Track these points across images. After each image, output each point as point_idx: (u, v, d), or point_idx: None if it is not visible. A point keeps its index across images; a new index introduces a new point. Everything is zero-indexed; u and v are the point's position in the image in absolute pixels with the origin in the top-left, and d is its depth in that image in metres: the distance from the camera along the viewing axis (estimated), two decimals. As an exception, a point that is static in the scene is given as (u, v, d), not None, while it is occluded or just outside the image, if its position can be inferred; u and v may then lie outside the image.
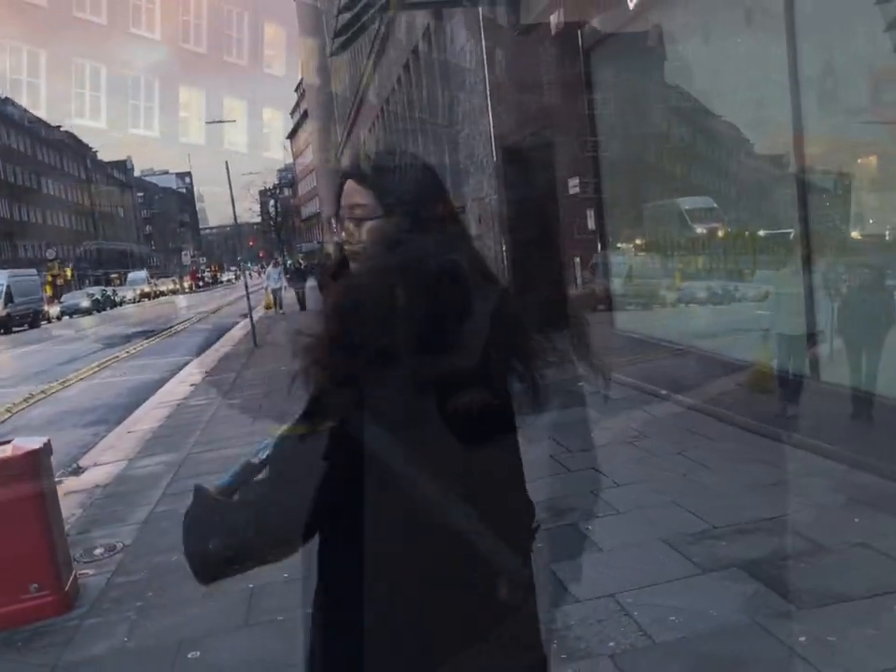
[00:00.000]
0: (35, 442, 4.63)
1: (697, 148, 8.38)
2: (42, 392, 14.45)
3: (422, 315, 1.68)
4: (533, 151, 10.73)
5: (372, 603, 1.58)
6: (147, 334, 25.61)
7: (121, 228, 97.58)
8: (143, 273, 69.57)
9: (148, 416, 10.80)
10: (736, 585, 3.77)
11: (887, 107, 5.64)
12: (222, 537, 1.64)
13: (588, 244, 9.62)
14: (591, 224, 9.47)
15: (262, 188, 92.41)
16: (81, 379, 16.13)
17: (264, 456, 1.70)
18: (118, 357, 19.62)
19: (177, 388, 13.06)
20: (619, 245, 9.77)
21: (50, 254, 63.08)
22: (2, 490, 4.30)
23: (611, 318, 9.51)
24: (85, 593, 4.72)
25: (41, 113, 63.19)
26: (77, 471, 7.93)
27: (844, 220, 6.39)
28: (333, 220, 2.04)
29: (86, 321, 40.48)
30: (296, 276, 27.83)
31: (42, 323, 40.39)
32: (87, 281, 70.15)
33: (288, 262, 51.86)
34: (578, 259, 10.00)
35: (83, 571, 5.01)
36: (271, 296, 26.46)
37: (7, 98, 61.61)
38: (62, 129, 76.27)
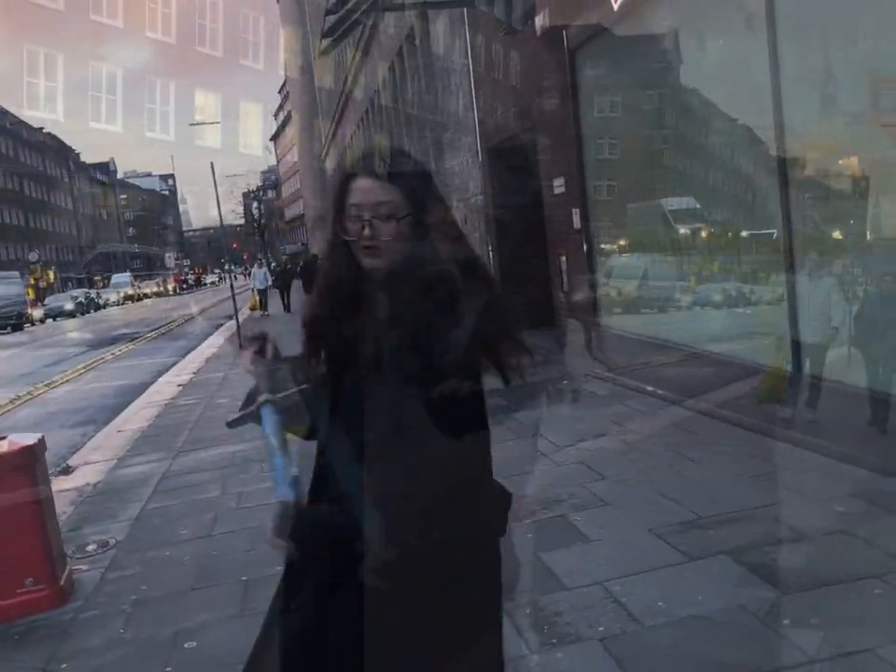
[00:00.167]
0: (29, 438, 4.67)
1: (683, 148, 8.48)
2: (28, 393, 14.44)
3: (413, 317, 1.83)
4: (518, 151, 10.81)
5: None
6: (132, 336, 25.55)
7: (105, 230, 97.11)
8: (126, 276, 69.27)
9: (137, 417, 10.81)
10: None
11: (880, 111, 5.72)
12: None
13: (574, 243, 9.72)
14: (576, 223, 9.56)
15: (246, 189, 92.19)
16: (67, 381, 16.10)
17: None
18: (103, 358, 19.59)
19: (165, 389, 13.07)
20: (604, 245, 9.87)
21: (33, 256, 62.70)
22: (-3, 485, 4.35)
23: (627, 321, 9.41)
24: (79, 587, 4.76)
25: (23, 115, 62.95)
26: (67, 470, 7.95)
27: (860, 223, 6.28)
28: (330, 218, 2.08)
29: (70, 324, 40.28)
30: (282, 277, 27.84)
31: (26, 326, 40.17)
32: (70, 284, 69.83)
33: (272, 264, 51.80)
34: (564, 258, 10.10)
35: (76, 567, 5.05)
36: (257, 297, 26.44)
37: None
38: (44, 130, 75.95)
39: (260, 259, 41.18)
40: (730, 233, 8.23)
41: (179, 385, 13.19)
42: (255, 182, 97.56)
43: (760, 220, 7.54)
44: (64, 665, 3.81)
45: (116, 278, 68.21)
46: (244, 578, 4.60)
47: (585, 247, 9.43)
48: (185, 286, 79.08)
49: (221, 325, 25.82)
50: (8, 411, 12.79)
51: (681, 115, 8.12)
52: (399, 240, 1.89)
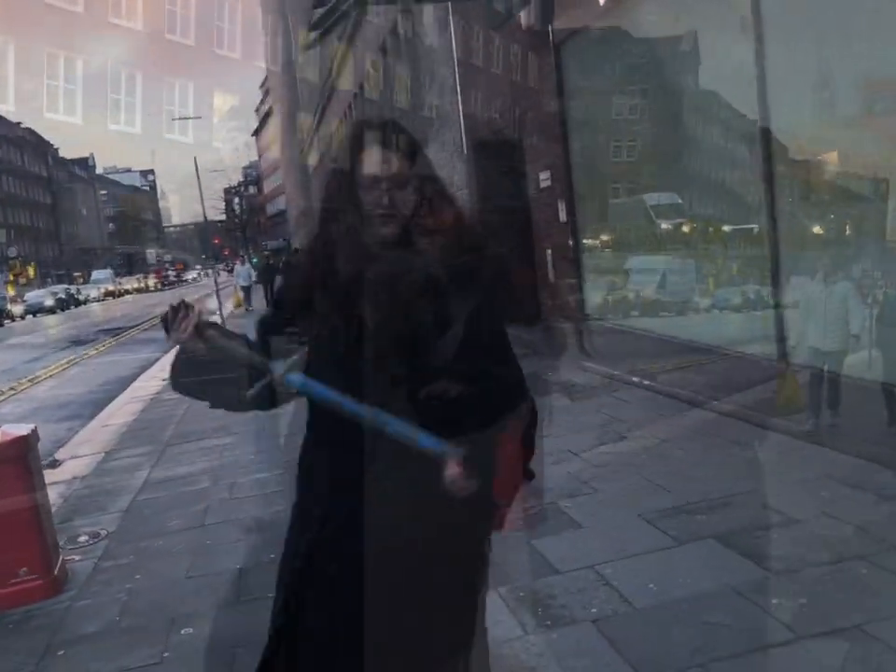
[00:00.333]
0: (22, 429, 4.68)
1: (669, 143, 8.55)
2: (11, 389, 14.37)
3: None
4: (504, 145, 10.86)
5: None
6: (114, 332, 25.43)
7: (85, 226, 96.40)
8: (107, 272, 68.90)
9: (122, 411, 10.80)
10: None
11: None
12: None
13: (560, 236, 9.78)
14: (562, 216, 9.62)
15: (227, 185, 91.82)
16: (51, 376, 16.04)
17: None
18: (86, 354, 19.51)
19: (149, 384, 13.03)
20: (589, 239, 9.92)
21: (12, 252, 62.19)
22: (-8, 475, 4.36)
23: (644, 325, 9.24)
24: (73, 577, 4.78)
25: (1, 109, 62.41)
26: (54, 464, 7.94)
27: (878, 224, 6.23)
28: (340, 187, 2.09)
29: (51, 319, 40.02)
30: (265, 273, 27.78)
31: (5, 321, 39.88)
32: (49, 279, 69.26)
33: (254, 260, 51.55)
34: (549, 251, 10.15)
35: (69, 557, 5.06)
36: (240, 294, 26.39)
37: (-35, 95, 60.61)
38: (22, 125, 75.28)
39: (243, 256, 41.03)
40: (712, 228, 8.30)
41: (164, 380, 13.14)
42: (236, 178, 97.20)
43: (743, 216, 7.62)
44: (62, 653, 3.84)
45: (96, 274, 67.82)
46: (237, 566, 4.64)
47: (571, 241, 9.50)
48: (166, 282, 78.69)
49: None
50: (-8, 406, 12.74)
51: (667, 109, 8.19)
52: (410, 208, 1.99)
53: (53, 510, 6.04)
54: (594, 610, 3.55)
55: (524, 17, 9.23)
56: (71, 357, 18.93)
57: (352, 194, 2.04)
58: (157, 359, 16.55)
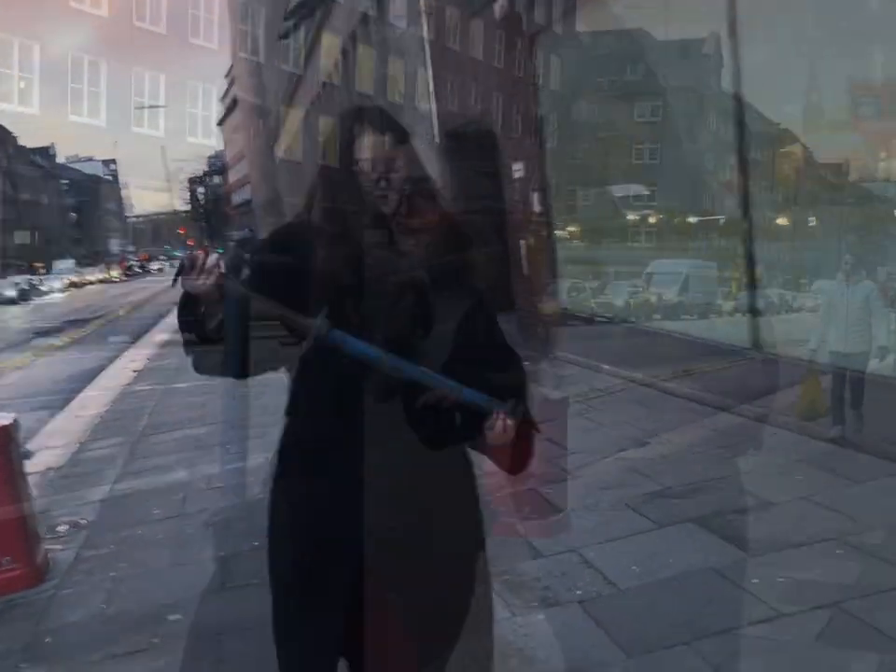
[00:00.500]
0: (4, 418, 4.67)
1: (638, 133, 8.64)
2: (-24, 380, 14.16)
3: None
4: (477, 135, 10.88)
5: None
6: (79, 322, 25.11)
7: (46, 215, 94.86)
8: (70, 262, 67.80)
9: (93, 402, 10.70)
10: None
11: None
12: None
13: (535, 227, 9.83)
14: (536, 207, 9.69)
15: (191, 175, 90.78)
16: (17, 368, 15.81)
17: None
18: (53, 345, 19.26)
19: (119, 374, 12.94)
20: (562, 230, 9.98)
21: (-30, 242, 61.08)
22: (-27, 465, 4.35)
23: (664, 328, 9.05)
24: (54, 567, 4.77)
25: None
26: (27, 455, 7.84)
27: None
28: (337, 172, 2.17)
29: (13, 310, 39.35)
30: (234, 262, 27.58)
31: (-34, 313, 39.17)
32: (9, 269, 68.02)
33: (219, 250, 51.14)
34: (524, 242, 10.21)
35: (49, 547, 5.05)
36: (207, 283, 26.16)
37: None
38: (-21, 114, 73.84)
39: (210, 247, 40.68)
40: (677, 219, 8.38)
41: (134, 371, 13.07)
42: (201, 167, 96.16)
43: (718, 208, 7.72)
44: (49, 640, 3.84)
45: (59, 265, 66.74)
46: (221, 554, 4.67)
47: (546, 231, 9.57)
48: (130, 272, 77.69)
49: (171, 311, 25.52)
50: (-43, 398, 12.55)
51: (639, 100, 8.27)
52: (402, 187, 2.10)
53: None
54: (579, 592, 3.63)
55: (497, 8, 9.26)
56: (37, 348, 18.68)
57: (349, 177, 2.12)
58: (125, 350, 16.44)
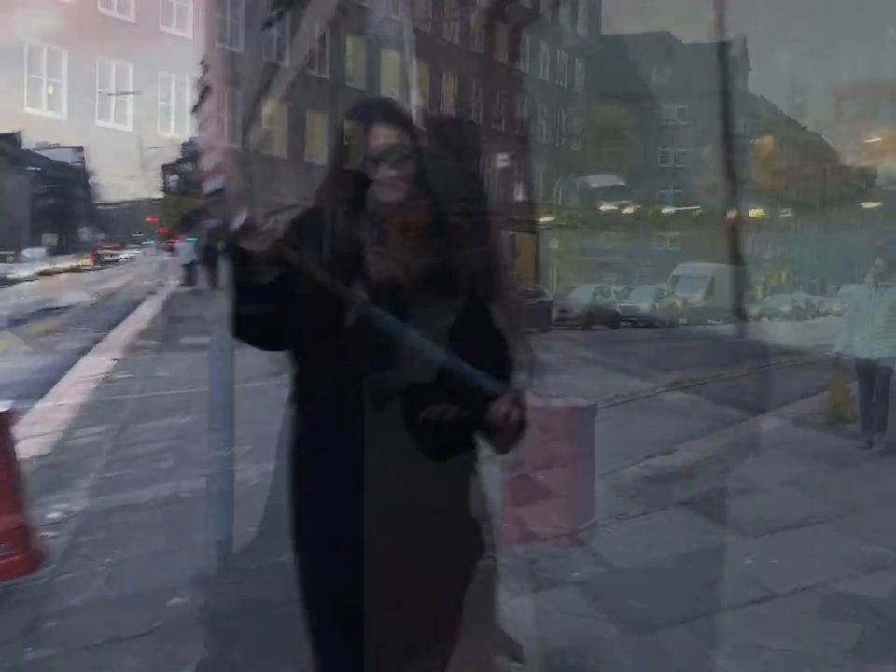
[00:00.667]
0: (0, 405, 4.67)
1: (623, 126, 8.71)
2: (-50, 370, 14.00)
3: None
4: (459, 126, 10.92)
5: None
6: (52, 311, 24.85)
7: (13, 203, 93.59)
8: (39, 250, 66.95)
9: (72, 391, 10.64)
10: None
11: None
12: None
13: (518, 218, 9.91)
14: (520, 197, 9.75)
15: (163, 162, 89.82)
16: (-9, 356, 15.65)
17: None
18: (27, 333, 19.05)
19: (97, 363, 12.87)
20: (547, 218, 10.03)
21: (-63, 230, 60.09)
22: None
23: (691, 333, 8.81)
24: (49, 553, 4.78)
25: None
26: (11, 443, 7.84)
27: None
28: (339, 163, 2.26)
29: (-19, 299, 38.88)
30: (208, 251, 27.42)
31: (-67, 302, 38.61)
32: (-23, 258, 67.02)
33: (190, 239, 50.73)
34: (507, 233, 10.28)
35: (43, 533, 5.06)
36: (182, 271, 26.02)
37: None
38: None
39: (186, 234, 40.19)
40: (651, 211, 8.46)
41: (113, 360, 13.00)
42: (174, 155, 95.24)
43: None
44: (52, 624, 3.88)
45: (28, 253, 65.84)
46: (217, 539, 4.70)
47: (529, 221, 9.64)
48: (101, 260, 76.87)
49: (144, 300, 25.39)
50: (-71, 388, 12.41)
51: (621, 91, 8.33)
52: (412, 175, 2.18)
53: (18, 488, 6.05)
54: (576, 574, 3.72)
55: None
56: (9, 338, 18.48)
57: (361, 168, 2.18)
58: (101, 339, 16.33)
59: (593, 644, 3.18)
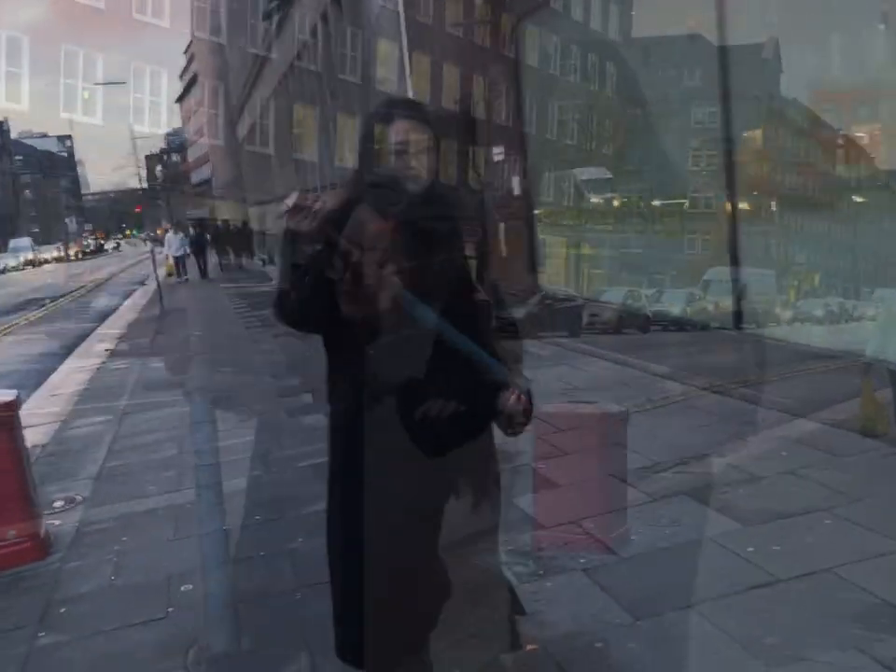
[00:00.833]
0: (8, 394, 4.71)
1: (618, 121, 8.77)
2: (-57, 359, 13.97)
3: None
4: (453, 118, 10.97)
5: None
6: (41, 301, 24.77)
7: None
8: (26, 241, 66.51)
9: (68, 380, 10.65)
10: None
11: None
12: None
13: (513, 209, 9.97)
14: (516, 190, 9.82)
15: (149, 153, 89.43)
16: (-18, 346, 15.63)
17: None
18: (17, 323, 19.01)
19: (91, 353, 12.87)
20: (543, 209, 10.09)
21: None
22: (-20, 439, 4.40)
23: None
24: (56, 541, 4.83)
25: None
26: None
27: None
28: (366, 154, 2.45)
29: (-33, 289, 38.66)
30: (197, 243, 27.42)
31: (-81, 291, 38.37)
32: (-38, 248, 66.56)
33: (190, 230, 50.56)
34: (503, 225, 10.34)
35: (48, 522, 5.10)
36: (172, 263, 25.94)
37: None
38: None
39: (175, 225, 40.00)
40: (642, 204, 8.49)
41: (106, 350, 13.00)
42: (158, 144, 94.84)
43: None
44: (63, 610, 3.92)
45: (15, 243, 65.45)
46: (224, 528, 4.76)
47: (525, 213, 9.70)
48: (87, 251, 76.56)
49: (135, 291, 25.35)
50: (-76, 376, 12.38)
51: (624, 88, 8.40)
52: (432, 166, 2.39)
53: (20, 477, 6.08)
54: (582, 560, 3.80)
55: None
56: (2, 327, 18.43)
57: (383, 157, 2.38)
58: (93, 328, 16.31)
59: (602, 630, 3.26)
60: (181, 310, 18.42)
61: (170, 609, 3.79)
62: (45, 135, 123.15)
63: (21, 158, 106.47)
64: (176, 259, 25.52)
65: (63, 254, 69.11)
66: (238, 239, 32.56)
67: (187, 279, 24.98)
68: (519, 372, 2.47)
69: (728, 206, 7.91)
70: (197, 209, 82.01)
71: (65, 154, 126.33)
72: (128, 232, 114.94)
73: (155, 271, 18.72)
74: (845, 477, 4.66)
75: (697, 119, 8.24)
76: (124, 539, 4.77)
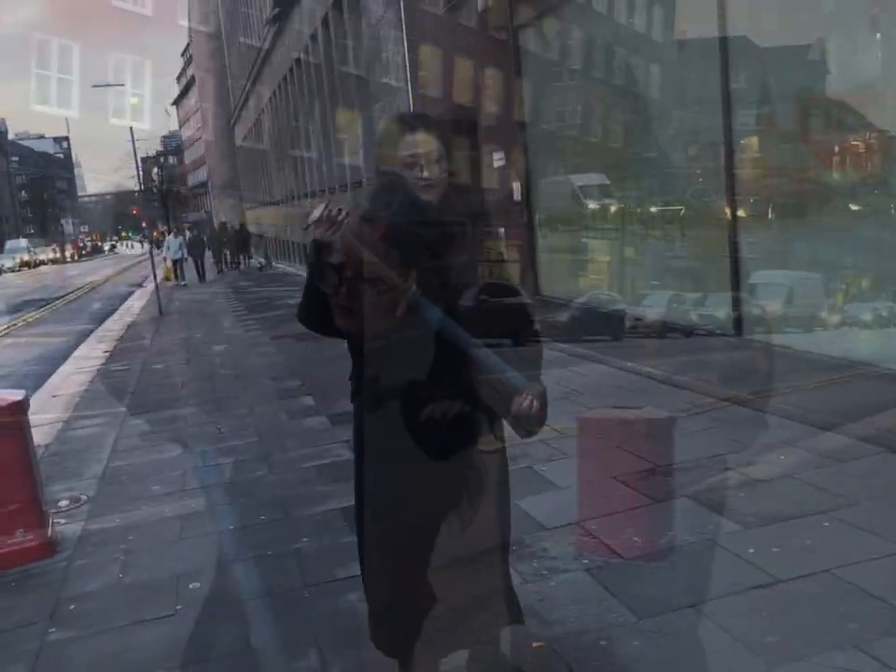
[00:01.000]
0: (16, 394, 4.76)
1: (618, 129, 8.83)
2: (-58, 360, 14.01)
3: None
4: (455, 124, 11.03)
5: None
6: (39, 303, 24.81)
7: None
8: (23, 242, 66.55)
9: (68, 382, 10.70)
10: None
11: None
12: None
13: (513, 216, 10.03)
14: (516, 196, 9.88)
15: (145, 155, 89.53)
16: (-19, 348, 15.67)
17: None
18: (14, 325, 19.06)
19: (91, 354, 12.93)
20: (543, 217, 10.13)
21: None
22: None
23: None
24: (63, 539, 4.88)
25: None
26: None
27: None
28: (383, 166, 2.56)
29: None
30: (196, 246, 27.46)
31: (-84, 291, 38.36)
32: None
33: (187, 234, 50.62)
34: (502, 230, 10.38)
35: (55, 521, 5.14)
36: (170, 266, 25.98)
37: None
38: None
39: (176, 228, 40.01)
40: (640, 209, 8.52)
41: (106, 351, 13.06)
42: (155, 147, 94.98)
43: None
44: (73, 607, 3.97)
45: (11, 244, 65.45)
46: (231, 527, 4.82)
47: (526, 219, 9.77)
48: (83, 252, 76.62)
49: (132, 293, 25.40)
50: (-76, 377, 12.41)
51: (624, 97, 8.46)
52: (444, 177, 2.47)
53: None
54: (585, 561, 3.86)
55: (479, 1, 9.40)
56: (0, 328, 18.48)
57: (397, 170, 2.46)
58: (92, 330, 16.36)
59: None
60: (180, 312, 18.49)
61: (178, 607, 3.84)
62: (42, 136, 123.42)
63: (17, 159, 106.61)
64: (175, 261, 25.57)
65: (59, 255, 69.22)
66: (235, 241, 32.61)
67: (185, 284, 25.02)
68: (536, 377, 2.51)
69: (771, 208, 7.86)
70: (194, 212, 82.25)
71: (62, 155, 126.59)
72: (123, 234, 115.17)
73: (154, 272, 18.72)
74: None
75: (742, 121, 8.17)
76: (131, 538, 4.82)
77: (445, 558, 2.57)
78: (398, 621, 2.61)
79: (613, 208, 9.16)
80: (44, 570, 4.45)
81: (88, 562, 4.54)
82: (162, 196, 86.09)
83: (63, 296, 27.30)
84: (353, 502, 2.73)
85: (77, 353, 13.25)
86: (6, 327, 18.73)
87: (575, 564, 3.85)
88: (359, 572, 2.76)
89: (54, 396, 9.77)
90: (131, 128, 17.76)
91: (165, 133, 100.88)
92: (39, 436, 7.63)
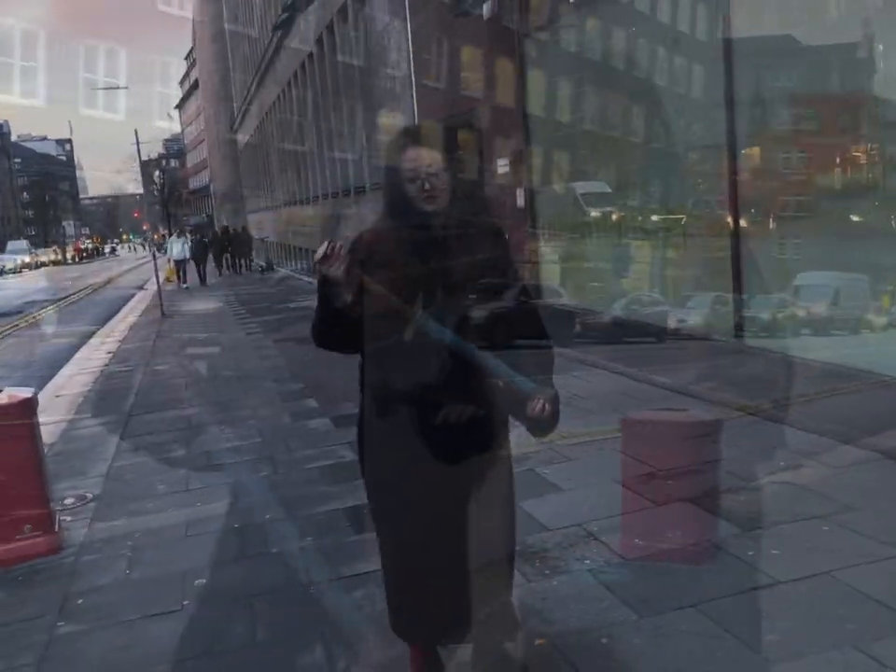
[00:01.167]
0: (25, 391, 4.82)
1: (627, 135, 8.89)
2: (-56, 360, 14.05)
3: None
4: (459, 131, 11.11)
5: None
6: (41, 304, 24.86)
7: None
8: (24, 243, 66.70)
9: (72, 382, 10.74)
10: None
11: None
12: None
13: (517, 222, 10.09)
14: (520, 202, 9.95)
15: (147, 158, 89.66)
16: (-17, 348, 15.71)
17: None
18: (17, 325, 19.10)
19: (94, 355, 12.97)
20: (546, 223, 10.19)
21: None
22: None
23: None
24: (69, 536, 4.93)
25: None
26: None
27: None
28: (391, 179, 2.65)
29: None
30: (198, 249, 27.52)
31: (-83, 292, 38.39)
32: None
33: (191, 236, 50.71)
34: (506, 236, 10.44)
35: (61, 518, 5.19)
36: (172, 268, 26.03)
37: None
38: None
39: (181, 230, 40.05)
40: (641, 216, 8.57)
41: (108, 353, 13.10)
42: (157, 150, 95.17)
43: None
44: (81, 601, 4.02)
45: (12, 245, 65.58)
46: (236, 525, 4.87)
47: (529, 226, 9.83)
48: (84, 254, 76.73)
49: (133, 295, 25.44)
50: (-74, 377, 12.45)
51: (630, 103, 8.53)
52: (447, 187, 2.55)
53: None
54: (587, 562, 3.91)
55: (486, 7, 9.48)
56: (2, 329, 18.51)
57: (400, 184, 2.57)
58: (94, 332, 16.40)
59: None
60: (182, 314, 18.54)
61: (185, 602, 3.89)
62: (44, 138, 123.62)
63: (19, 160, 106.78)
64: (178, 262, 25.61)
65: (60, 257, 69.32)
66: (237, 245, 32.68)
67: (187, 287, 25.06)
68: (548, 381, 2.60)
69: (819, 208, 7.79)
70: (195, 215, 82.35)
71: (64, 157, 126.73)
72: (125, 237, 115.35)
73: (157, 274, 18.79)
74: None
75: (789, 120, 8.07)
76: (137, 535, 4.87)
77: (455, 558, 2.64)
78: (416, 609, 2.75)
79: (637, 215, 9.21)
80: (52, 566, 4.50)
81: (95, 558, 4.59)
82: (164, 199, 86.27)
83: (64, 297, 27.35)
84: (355, 502, 2.82)
85: (79, 354, 13.29)
86: (8, 327, 18.77)
87: (577, 565, 3.91)
88: (363, 571, 2.85)
89: (58, 396, 9.81)
90: (136, 130, 17.75)
91: (167, 136, 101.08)
92: (43, 435, 7.66)
